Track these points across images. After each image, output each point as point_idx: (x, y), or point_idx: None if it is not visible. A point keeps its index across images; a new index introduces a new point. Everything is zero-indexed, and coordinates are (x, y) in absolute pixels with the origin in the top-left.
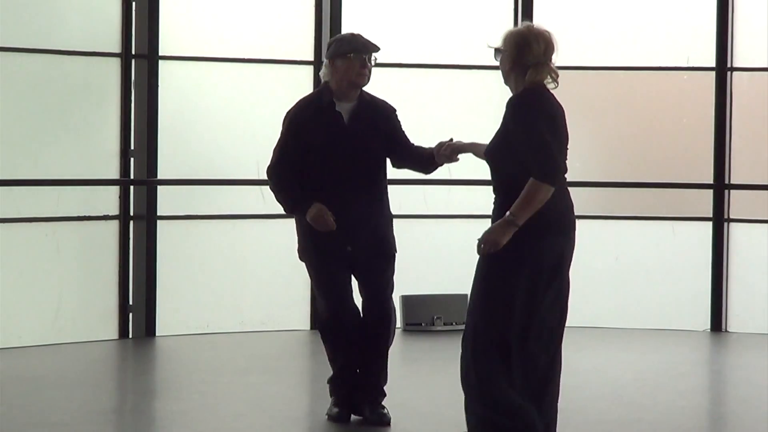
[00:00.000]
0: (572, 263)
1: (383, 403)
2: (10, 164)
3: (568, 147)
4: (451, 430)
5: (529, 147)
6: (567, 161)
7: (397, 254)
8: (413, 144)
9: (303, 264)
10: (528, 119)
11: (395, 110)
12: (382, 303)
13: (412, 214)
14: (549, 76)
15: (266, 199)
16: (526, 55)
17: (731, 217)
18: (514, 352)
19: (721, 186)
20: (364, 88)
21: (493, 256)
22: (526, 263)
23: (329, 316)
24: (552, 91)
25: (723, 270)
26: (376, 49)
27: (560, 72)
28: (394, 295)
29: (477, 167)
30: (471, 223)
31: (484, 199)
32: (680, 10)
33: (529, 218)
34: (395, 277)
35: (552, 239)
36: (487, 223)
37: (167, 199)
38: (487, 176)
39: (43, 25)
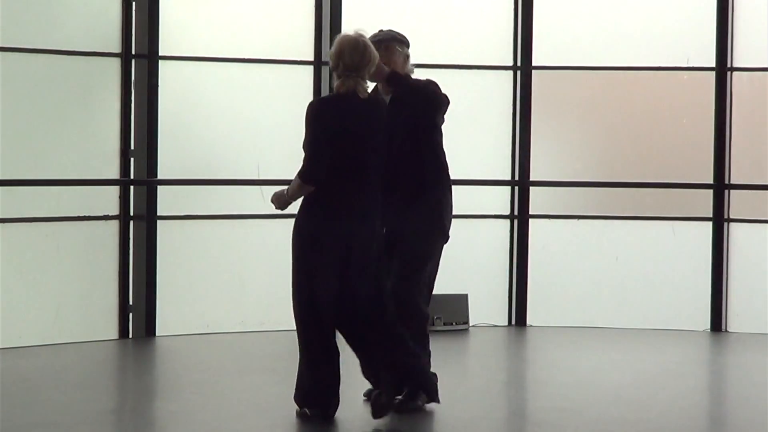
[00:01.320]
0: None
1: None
2: (10, 164)
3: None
4: (450, 427)
5: (304, 149)
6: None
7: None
8: None
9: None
10: (307, 126)
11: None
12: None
13: None
14: (357, 89)
15: (266, 199)
16: (337, 64)
17: (731, 217)
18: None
19: (721, 186)
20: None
21: (295, 242)
22: (320, 243)
23: None
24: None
25: (723, 270)
26: (381, 41)
27: (560, 72)
28: None
29: (476, 168)
30: (472, 223)
31: (485, 200)
32: (680, 10)
33: (316, 206)
34: None
35: (337, 223)
36: (487, 223)
37: (167, 199)
38: (489, 176)
39: (43, 25)
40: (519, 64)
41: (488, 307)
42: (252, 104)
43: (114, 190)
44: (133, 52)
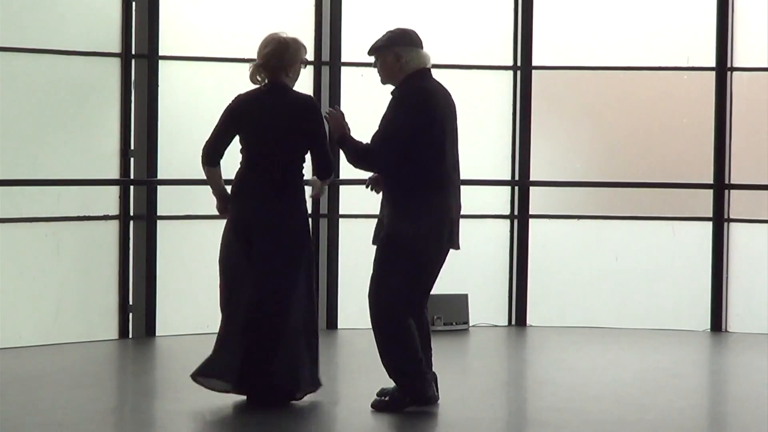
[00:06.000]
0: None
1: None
2: (10, 164)
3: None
4: (450, 427)
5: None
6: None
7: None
8: None
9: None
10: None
11: None
12: None
13: None
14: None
15: None
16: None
17: (731, 217)
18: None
19: (721, 186)
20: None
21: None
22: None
23: None
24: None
25: (723, 270)
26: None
27: (561, 72)
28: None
29: (476, 168)
30: (471, 223)
31: (485, 200)
32: (680, 10)
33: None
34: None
35: (243, 203)
36: (488, 223)
37: (167, 199)
38: (489, 176)
39: (44, 25)
40: (519, 64)
41: (488, 307)
42: None
43: (114, 190)
44: (133, 52)
